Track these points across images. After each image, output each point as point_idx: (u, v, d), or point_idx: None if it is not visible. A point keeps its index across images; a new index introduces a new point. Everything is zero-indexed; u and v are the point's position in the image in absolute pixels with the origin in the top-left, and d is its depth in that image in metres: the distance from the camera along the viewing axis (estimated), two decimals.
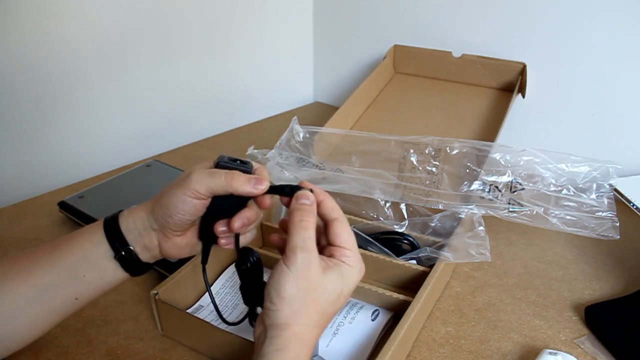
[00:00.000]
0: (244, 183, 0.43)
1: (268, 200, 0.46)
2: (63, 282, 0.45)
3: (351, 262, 0.42)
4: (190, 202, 0.43)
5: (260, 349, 0.38)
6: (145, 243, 0.46)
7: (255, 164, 0.46)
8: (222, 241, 0.46)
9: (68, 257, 0.45)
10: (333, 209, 0.44)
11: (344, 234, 0.43)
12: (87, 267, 0.45)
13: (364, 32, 1.12)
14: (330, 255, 0.42)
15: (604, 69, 0.85)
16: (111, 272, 0.46)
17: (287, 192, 0.44)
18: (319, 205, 0.43)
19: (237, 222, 0.44)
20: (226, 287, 0.63)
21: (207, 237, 0.47)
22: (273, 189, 0.44)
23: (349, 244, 0.42)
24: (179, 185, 0.43)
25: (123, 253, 0.45)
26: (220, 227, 0.45)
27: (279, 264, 0.40)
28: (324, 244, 0.44)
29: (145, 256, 0.47)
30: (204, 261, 0.48)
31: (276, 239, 0.46)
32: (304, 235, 0.40)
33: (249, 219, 0.45)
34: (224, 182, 0.42)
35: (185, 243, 0.47)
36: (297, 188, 0.44)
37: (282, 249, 0.43)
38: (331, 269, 0.41)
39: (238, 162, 0.44)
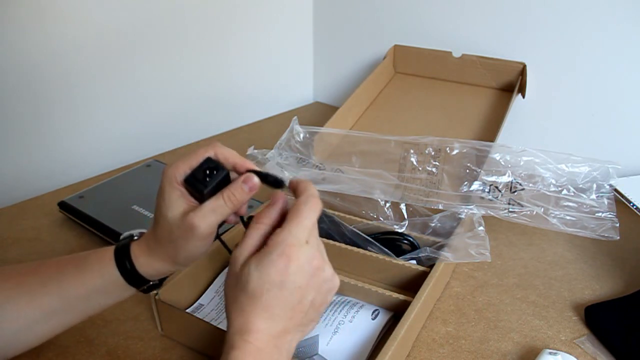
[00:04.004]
0: (242, 195, 0.43)
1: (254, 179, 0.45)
2: (75, 309, 0.46)
3: (271, 242, 0.39)
4: (208, 242, 0.44)
5: None
6: (167, 275, 0.48)
7: (215, 151, 0.44)
8: (230, 218, 0.46)
9: (79, 288, 0.45)
10: (294, 187, 0.42)
11: (290, 214, 0.40)
12: (102, 297, 0.46)
13: (364, 32, 1.12)
14: None
15: (604, 69, 0.85)
16: (127, 295, 0.48)
17: (271, 183, 0.43)
18: (295, 187, 0.42)
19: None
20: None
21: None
22: (259, 176, 0.44)
23: (287, 222, 0.40)
24: (189, 237, 0.42)
25: (145, 287, 0.47)
26: (228, 219, 0.46)
27: None
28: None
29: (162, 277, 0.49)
30: (217, 234, 0.48)
31: None
32: (243, 238, 0.41)
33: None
34: (230, 209, 0.43)
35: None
36: (280, 182, 0.43)
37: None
38: (250, 262, 0.39)
39: (206, 171, 0.43)
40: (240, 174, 0.44)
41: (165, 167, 0.43)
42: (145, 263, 0.45)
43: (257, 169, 0.44)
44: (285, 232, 0.39)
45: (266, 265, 0.38)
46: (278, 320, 0.39)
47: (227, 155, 0.44)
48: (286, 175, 0.69)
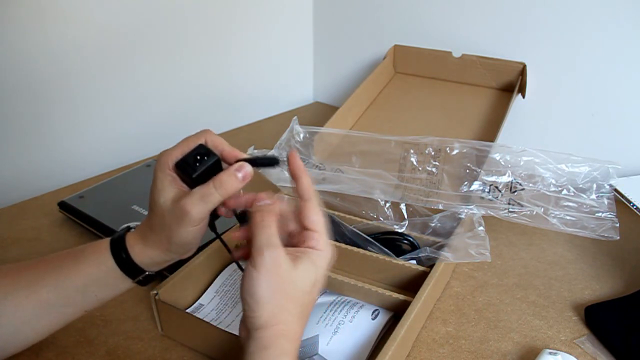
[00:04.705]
0: (234, 183, 0.43)
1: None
2: (72, 302, 0.46)
3: (320, 245, 0.41)
4: (200, 229, 0.44)
5: (246, 350, 0.38)
6: (162, 265, 0.48)
7: (206, 137, 0.45)
8: (221, 210, 0.47)
9: (76, 279, 0.45)
10: (306, 190, 0.43)
11: (312, 216, 0.42)
12: (99, 289, 0.46)
13: (364, 32, 1.12)
14: (302, 240, 0.42)
15: (604, 69, 0.85)
16: (124, 287, 0.48)
17: (266, 163, 0.44)
18: (297, 182, 0.43)
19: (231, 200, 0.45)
20: (226, 285, 0.63)
21: (211, 221, 0.47)
22: (252, 162, 0.44)
23: (318, 226, 0.42)
24: (180, 223, 0.42)
25: (141, 278, 0.47)
26: (220, 211, 0.46)
27: (247, 269, 0.38)
28: (294, 229, 0.44)
29: (158, 269, 0.48)
30: (217, 234, 0.49)
31: (238, 235, 0.45)
32: (268, 233, 0.39)
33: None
34: (220, 196, 0.42)
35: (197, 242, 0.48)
36: (274, 159, 0.44)
37: (245, 254, 0.44)
38: (300, 260, 0.40)
39: (197, 157, 0.43)
40: (228, 162, 0.44)
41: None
42: (140, 252, 0.45)
43: (246, 156, 0.45)
44: (322, 233, 0.42)
45: (321, 267, 0.40)
46: (306, 322, 0.40)
47: (217, 143, 0.45)
48: (286, 175, 0.69)
